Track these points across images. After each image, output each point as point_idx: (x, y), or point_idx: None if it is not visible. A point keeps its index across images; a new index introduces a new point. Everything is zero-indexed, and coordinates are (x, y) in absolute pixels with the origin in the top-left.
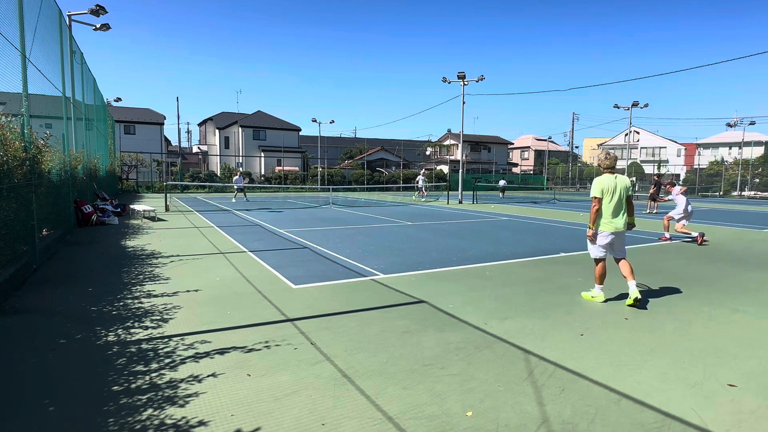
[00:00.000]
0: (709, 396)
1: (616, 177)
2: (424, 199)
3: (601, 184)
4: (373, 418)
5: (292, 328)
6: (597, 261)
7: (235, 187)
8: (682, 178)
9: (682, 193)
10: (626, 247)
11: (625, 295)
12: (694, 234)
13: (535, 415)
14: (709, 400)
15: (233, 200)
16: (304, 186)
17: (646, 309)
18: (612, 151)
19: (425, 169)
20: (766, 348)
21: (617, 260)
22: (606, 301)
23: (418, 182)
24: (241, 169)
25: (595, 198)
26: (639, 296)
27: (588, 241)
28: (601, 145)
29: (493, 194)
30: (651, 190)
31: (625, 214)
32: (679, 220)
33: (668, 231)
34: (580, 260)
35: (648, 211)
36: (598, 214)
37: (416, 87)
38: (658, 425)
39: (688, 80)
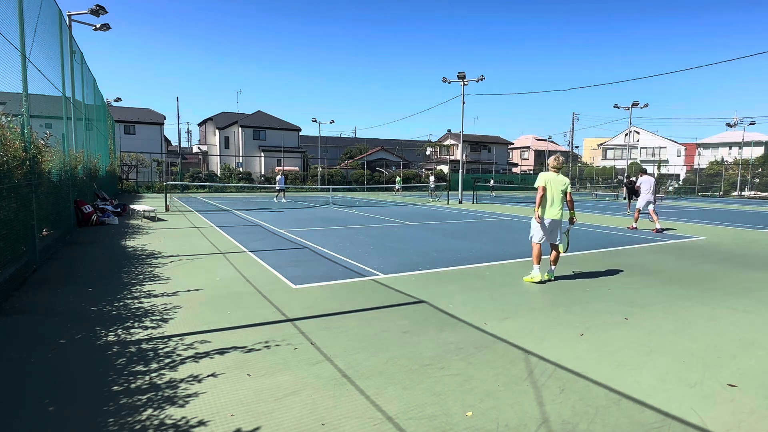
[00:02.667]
0: (709, 396)
1: (558, 175)
2: (435, 200)
3: (545, 177)
4: (373, 418)
5: (292, 328)
6: (534, 244)
7: (278, 187)
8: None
9: (647, 184)
10: (627, 247)
11: (563, 281)
12: (636, 225)
13: (535, 415)
14: (709, 400)
15: (282, 200)
16: (304, 186)
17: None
18: (562, 156)
19: (428, 170)
20: (766, 348)
21: (552, 246)
22: (542, 282)
23: (431, 183)
24: (282, 169)
25: (541, 187)
26: (551, 278)
27: (533, 225)
28: (601, 145)
29: (487, 194)
30: (624, 191)
31: (562, 208)
32: (639, 207)
33: (657, 222)
34: (579, 260)
35: (629, 211)
36: (543, 200)
37: (416, 87)
38: (658, 425)
39: (688, 80)
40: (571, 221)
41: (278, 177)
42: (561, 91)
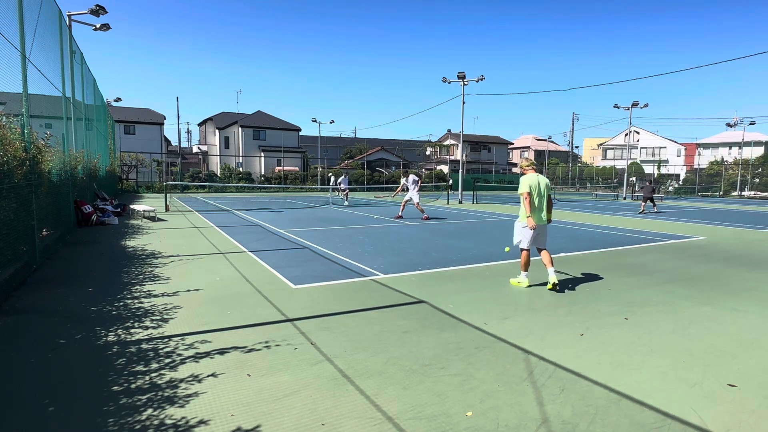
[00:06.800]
0: (709, 396)
1: (539, 176)
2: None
3: (528, 181)
4: (373, 418)
5: (292, 328)
6: (523, 250)
7: (342, 187)
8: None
9: (413, 182)
10: (627, 247)
11: (563, 282)
12: (424, 214)
13: (535, 415)
14: (709, 400)
15: (345, 202)
16: (304, 186)
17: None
18: (529, 156)
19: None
20: (766, 348)
21: (539, 250)
22: (530, 286)
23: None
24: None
25: (526, 192)
26: (556, 281)
27: (518, 232)
28: (601, 145)
29: (489, 194)
30: (642, 191)
31: (545, 210)
32: (417, 201)
33: (402, 211)
34: (579, 260)
35: (641, 211)
36: (531, 206)
37: (416, 87)
38: (658, 425)
39: (688, 80)
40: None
41: (341, 178)
42: (561, 91)
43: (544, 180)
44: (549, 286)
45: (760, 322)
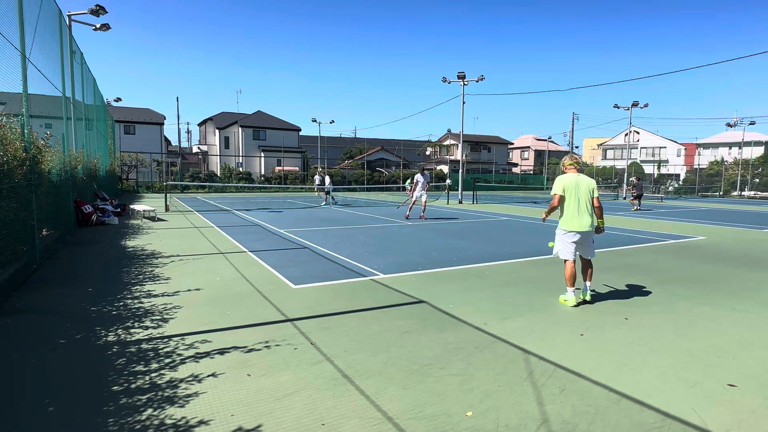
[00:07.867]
0: (709, 396)
1: (580, 176)
2: (329, 205)
3: (563, 183)
4: (373, 418)
5: (292, 328)
6: (567, 262)
7: (327, 189)
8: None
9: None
10: (627, 247)
11: (563, 282)
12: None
13: (535, 415)
14: (709, 400)
15: (322, 203)
16: (304, 186)
17: (641, 309)
18: (576, 155)
19: (321, 168)
20: (766, 348)
21: (583, 260)
22: (578, 305)
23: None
24: (320, 168)
25: (557, 196)
26: (589, 299)
27: (557, 240)
28: (601, 145)
29: (490, 194)
30: (631, 190)
31: (592, 216)
32: (425, 200)
33: (410, 210)
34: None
35: (635, 209)
36: (562, 212)
37: (416, 87)
38: (658, 425)
39: (688, 80)
40: (598, 230)
41: (319, 178)
42: (561, 91)
43: (586, 181)
44: (581, 298)
45: (760, 322)
